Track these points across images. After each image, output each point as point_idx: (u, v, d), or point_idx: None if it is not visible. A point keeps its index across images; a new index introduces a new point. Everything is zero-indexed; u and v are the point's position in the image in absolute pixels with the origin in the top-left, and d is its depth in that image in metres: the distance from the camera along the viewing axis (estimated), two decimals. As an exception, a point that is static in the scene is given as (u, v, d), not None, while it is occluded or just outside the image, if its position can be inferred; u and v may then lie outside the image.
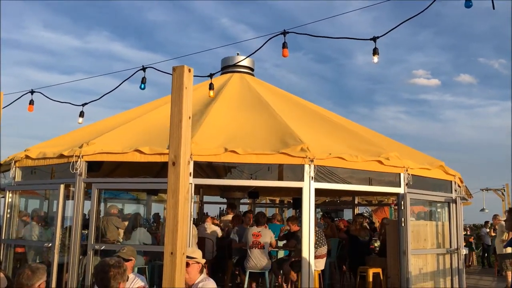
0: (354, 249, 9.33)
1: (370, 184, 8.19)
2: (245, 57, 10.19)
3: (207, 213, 10.92)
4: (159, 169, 8.51)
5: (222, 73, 10.65)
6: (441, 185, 8.88)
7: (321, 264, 7.53)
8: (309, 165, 6.75)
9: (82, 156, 6.99)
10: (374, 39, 4.82)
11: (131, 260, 4.75)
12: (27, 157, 7.73)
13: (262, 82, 10.83)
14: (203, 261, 4.14)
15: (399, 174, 7.53)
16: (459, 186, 9.14)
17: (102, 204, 10.39)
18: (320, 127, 8.59)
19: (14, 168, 7.91)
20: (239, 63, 10.36)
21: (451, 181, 8.76)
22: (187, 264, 3.99)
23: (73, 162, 6.96)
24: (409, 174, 7.51)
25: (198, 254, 4.12)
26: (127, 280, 4.13)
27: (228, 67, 10.59)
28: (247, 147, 6.75)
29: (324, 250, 7.56)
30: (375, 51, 4.93)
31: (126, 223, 8.92)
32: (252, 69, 10.98)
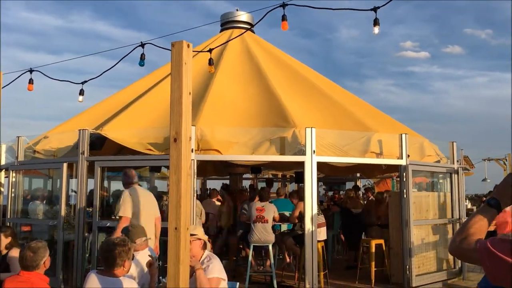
0: (347, 221, 9.45)
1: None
2: (244, 13, 10.29)
3: (215, 189, 10.93)
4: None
5: (222, 30, 10.51)
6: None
7: (322, 234, 7.56)
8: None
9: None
10: (375, 9, 4.75)
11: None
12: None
13: (260, 41, 10.65)
14: (205, 237, 4.15)
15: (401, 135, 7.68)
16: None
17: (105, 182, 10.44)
18: (316, 105, 8.54)
19: (18, 148, 7.93)
20: (239, 19, 10.29)
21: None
22: None
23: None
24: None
25: (199, 231, 4.14)
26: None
27: (227, 23, 10.45)
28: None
29: (321, 219, 7.58)
30: (376, 22, 4.85)
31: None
32: (251, 25, 10.61)
